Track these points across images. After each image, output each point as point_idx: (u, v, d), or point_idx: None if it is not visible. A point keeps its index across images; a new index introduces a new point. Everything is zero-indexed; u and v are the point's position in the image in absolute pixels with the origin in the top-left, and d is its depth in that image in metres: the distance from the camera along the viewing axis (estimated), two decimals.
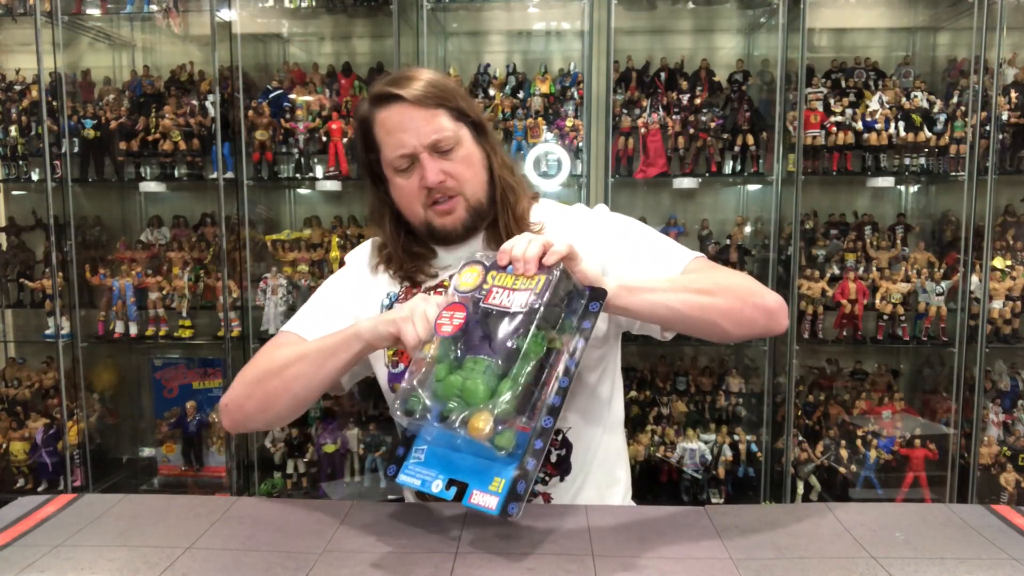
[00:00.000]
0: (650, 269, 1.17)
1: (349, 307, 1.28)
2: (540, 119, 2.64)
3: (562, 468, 1.21)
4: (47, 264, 2.75)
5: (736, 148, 2.63)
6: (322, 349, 1.12)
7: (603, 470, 1.25)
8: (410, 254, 1.26)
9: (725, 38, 2.89)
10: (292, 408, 1.17)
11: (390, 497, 1.29)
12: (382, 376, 1.25)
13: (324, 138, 2.65)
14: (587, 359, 1.19)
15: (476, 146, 1.23)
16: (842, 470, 2.55)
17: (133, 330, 2.74)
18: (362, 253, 1.37)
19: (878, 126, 2.56)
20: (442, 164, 1.18)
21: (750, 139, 2.60)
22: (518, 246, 0.96)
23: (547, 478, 1.21)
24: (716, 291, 1.09)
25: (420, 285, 1.26)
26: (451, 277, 1.20)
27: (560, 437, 1.21)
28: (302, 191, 2.97)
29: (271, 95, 2.66)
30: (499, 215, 1.24)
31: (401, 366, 1.22)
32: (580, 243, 1.06)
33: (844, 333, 2.62)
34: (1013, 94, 2.52)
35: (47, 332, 2.77)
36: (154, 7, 2.70)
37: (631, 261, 1.19)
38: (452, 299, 0.98)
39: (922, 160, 2.60)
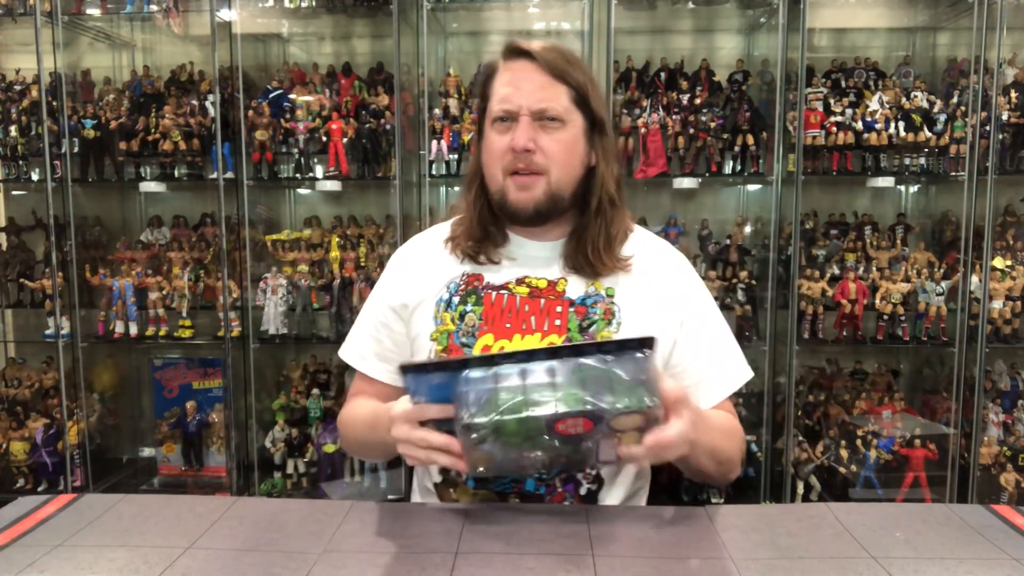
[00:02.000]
0: (708, 361, 1.21)
1: (398, 312, 1.27)
2: None
3: (591, 500, 1.19)
4: (47, 264, 2.75)
5: (736, 148, 2.62)
6: (366, 427, 1.21)
7: (628, 482, 1.24)
8: (483, 228, 1.24)
9: (725, 38, 2.89)
10: (387, 454, 1.23)
11: (390, 497, 1.28)
12: None
13: (324, 138, 2.65)
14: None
15: (583, 139, 1.19)
16: (842, 470, 2.55)
17: (133, 330, 2.73)
18: (421, 238, 1.35)
19: (878, 126, 2.56)
20: (538, 134, 1.15)
21: (750, 139, 2.60)
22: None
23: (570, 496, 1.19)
24: (737, 452, 1.18)
25: (481, 277, 1.24)
26: (517, 282, 1.22)
27: (594, 472, 1.18)
28: (302, 191, 2.97)
29: (271, 95, 2.66)
30: (590, 226, 1.20)
31: None
32: (669, 288, 1.21)
33: (844, 333, 2.62)
34: (1013, 94, 2.52)
35: (47, 332, 2.77)
36: (154, 7, 2.69)
37: (695, 342, 1.21)
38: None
39: (922, 160, 2.60)
